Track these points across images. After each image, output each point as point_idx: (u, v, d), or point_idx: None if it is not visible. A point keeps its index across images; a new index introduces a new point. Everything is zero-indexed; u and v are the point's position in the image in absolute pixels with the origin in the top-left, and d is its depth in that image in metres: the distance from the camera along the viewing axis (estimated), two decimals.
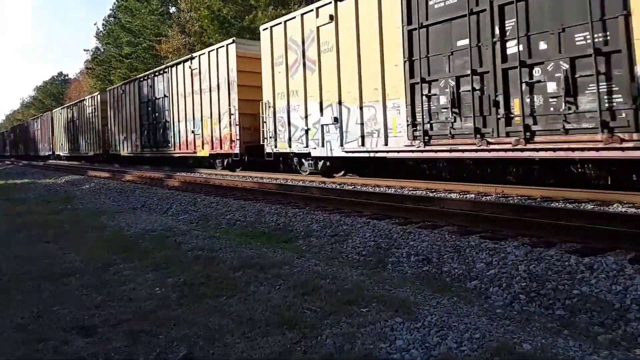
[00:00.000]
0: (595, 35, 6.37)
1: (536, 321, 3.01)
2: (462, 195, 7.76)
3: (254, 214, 7.04)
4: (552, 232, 4.54)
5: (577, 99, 6.67)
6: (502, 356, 2.46)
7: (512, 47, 7.39)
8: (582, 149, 6.63)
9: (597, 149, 6.46)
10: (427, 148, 8.68)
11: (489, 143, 7.72)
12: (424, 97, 8.65)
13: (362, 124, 10.05)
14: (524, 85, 7.21)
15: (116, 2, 37.63)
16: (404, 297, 3.32)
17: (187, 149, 17.57)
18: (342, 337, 2.78)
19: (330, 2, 10.64)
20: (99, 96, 27.03)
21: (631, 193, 6.42)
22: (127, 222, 7.11)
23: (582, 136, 6.60)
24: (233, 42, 14.69)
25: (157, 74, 19.68)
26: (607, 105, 6.36)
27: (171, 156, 19.44)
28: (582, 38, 6.55)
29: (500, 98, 7.54)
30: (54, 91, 73.33)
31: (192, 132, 16.93)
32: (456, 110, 8.18)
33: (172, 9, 33.58)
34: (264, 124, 13.07)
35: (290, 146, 12.26)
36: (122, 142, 23.37)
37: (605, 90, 6.36)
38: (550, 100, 6.97)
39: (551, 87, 6.94)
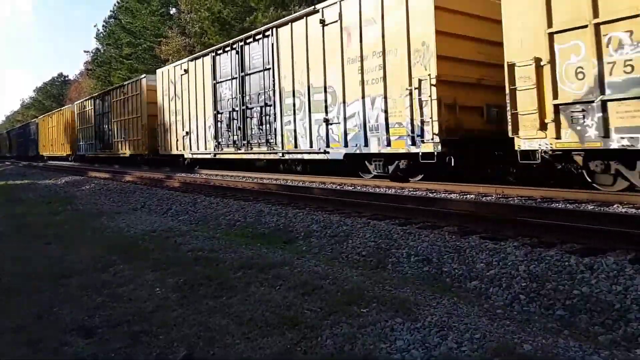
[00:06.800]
0: None
1: (536, 321, 3.00)
2: (462, 196, 7.75)
3: (254, 214, 7.04)
4: (552, 233, 4.53)
5: None
6: (502, 356, 2.46)
7: None
8: None
9: None
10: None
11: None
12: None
13: None
14: None
15: (117, 3, 37.72)
16: (404, 298, 3.31)
17: None
18: (343, 338, 2.77)
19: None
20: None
21: (631, 194, 6.42)
22: (127, 222, 7.11)
23: None
24: None
25: None
26: None
27: None
28: None
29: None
30: (54, 92, 73.41)
31: None
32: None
33: (173, 10, 33.67)
34: None
35: None
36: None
37: None
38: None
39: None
